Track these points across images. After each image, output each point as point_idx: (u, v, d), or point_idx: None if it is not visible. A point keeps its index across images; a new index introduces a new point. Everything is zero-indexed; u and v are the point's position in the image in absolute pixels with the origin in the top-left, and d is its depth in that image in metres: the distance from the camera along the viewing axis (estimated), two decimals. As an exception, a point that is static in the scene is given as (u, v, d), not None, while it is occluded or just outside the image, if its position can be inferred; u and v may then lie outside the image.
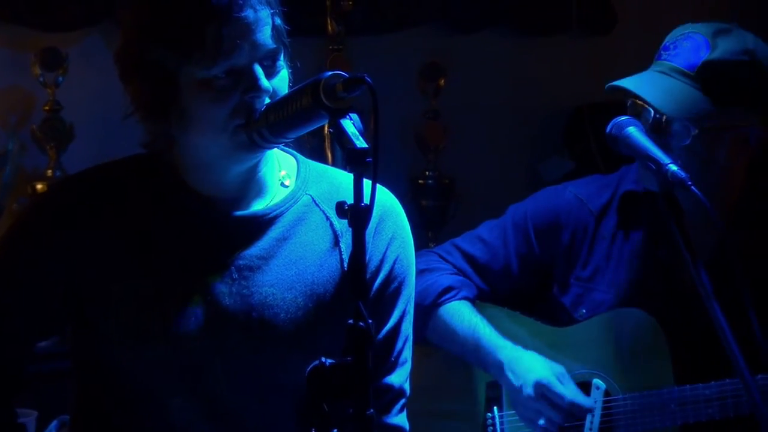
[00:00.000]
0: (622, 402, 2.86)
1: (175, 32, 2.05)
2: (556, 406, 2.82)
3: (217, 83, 2.08)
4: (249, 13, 2.06)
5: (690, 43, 2.81)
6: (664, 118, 2.77)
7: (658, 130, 2.77)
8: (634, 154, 2.67)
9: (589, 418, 2.86)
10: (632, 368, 2.87)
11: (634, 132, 2.65)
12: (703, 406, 2.79)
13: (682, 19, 2.94)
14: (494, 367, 2.89)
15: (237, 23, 2.05)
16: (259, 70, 2.08)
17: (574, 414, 2.84)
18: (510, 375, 2.86)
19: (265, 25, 2.09)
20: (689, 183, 2.47)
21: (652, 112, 2.78)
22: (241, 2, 2.05)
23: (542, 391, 2.81)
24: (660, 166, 2.55)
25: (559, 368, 2.86)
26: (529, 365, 2.85)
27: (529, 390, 2.82)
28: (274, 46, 2.11)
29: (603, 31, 4.54)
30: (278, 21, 2.13)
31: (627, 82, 2.81)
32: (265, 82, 2.08)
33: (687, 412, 2.80)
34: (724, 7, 4.44)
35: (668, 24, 2.96)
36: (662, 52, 2.87)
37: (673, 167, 2.53)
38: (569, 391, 2.82)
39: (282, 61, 2.14)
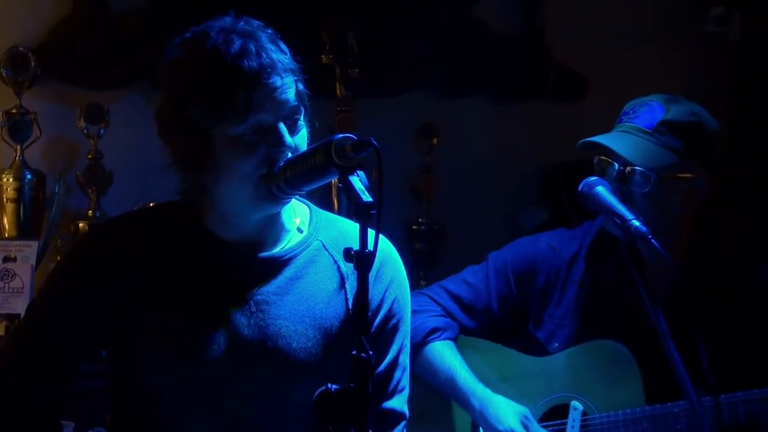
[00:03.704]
0: (599, 420, 2.86)
1: (211, 96, 2.07)
2: None
3: (246, 139, 2.09)
4: (275, 80, 2.08)
5: (647, 108, 2.86)
6: (628, 169, 2.79)
7: (622, 180, 2.80)
8: (602, 210, 2.70)
9: None
10: (607, 391, 2.87)
11: (603, 191, 2.69)
12: (673, 421, 2.78)
13: (642, 90, 2.99)
14: (468, 409, 2.90)
15: (265, 88, 2.07)
16: (283, 128, 2.10)
17: None
18: (482, 420, 2.87)
19: (289, 88, 2.11)
20: (650, 237, 2.49)
21: (617, 165, 2.81)
22: (269, 70, 2.07)
23: None
24: (624, 221, 2.58)
25: (524, 411, 2.86)
26: (496, 415, 2.84)
27: None
28: (296, 105, 2.13)
29: (575, 99, 4.56)
30: (300, 86, 2.15)
31: (600, 138, 2.85)
32: (288, 138, 2.10)
33: (658, 427, 2.79)
34: (674, 84, 4.48)
35: (630, 94, 3.00)
36: (623, 116, 2.92)
37: (636, 222, 2.56)
38: None
39: (302, 121, 2.16)
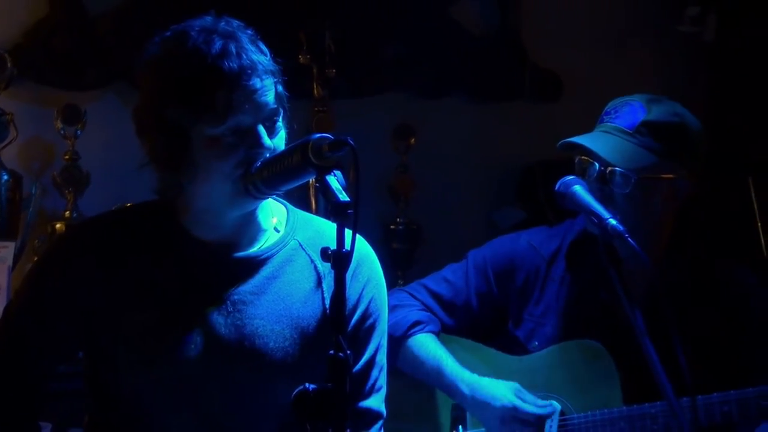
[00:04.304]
0: (577, 420, 2.85)
1: (191, 96, 2.06)
2: (526, 422, 2.81)
3: (225, 140, 2.08)
4: (255, 82, 2.07)
5: (629, 108, 2.84)
6: (608, 169, 2.78)
7: (603, 180, 2.79)
8: (579, 209, 2.69)
9: None
10: (585, 391, 2.86)
11: (580, 190, 2.68)
12: (649, 422, 2.77)
13: (618, 90, 2.98)
14: (458, 396, 2.88)
15: (245, 89, 2.06)
16: (262, 130, 2.09)
17: (543, 423, 2.83)
18: (474, 405, 2.85)
19: (269, 91, 2.10)
20: (626, 235, 2.49)
21: (597, 165, 2.80)
22: (249, 72, 2.06)
23: (511, 413, 2.80)
24: (601, 220, 2.58)
25: (515, 385, 2.85)
26: (490, 392, 2.83)
27: (496, 418, 2.81)
28: (275, 107, 2.12)
29: (551, 99, 4.56)
30: (280, 88, 2.14)
31: (580, 139, 2.83)
32: (267, 140, 2.09)
33: (635, 428, 2.78)
34: (649, 84, 4.49)
35: (606, 94, 3.00)
36: (604, 116, 2.89)
37: (613, 221, 2.55)
38: (533, 407, 2.82)
39: (281, 123, 2.15)
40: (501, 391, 2.83)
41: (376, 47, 4.29)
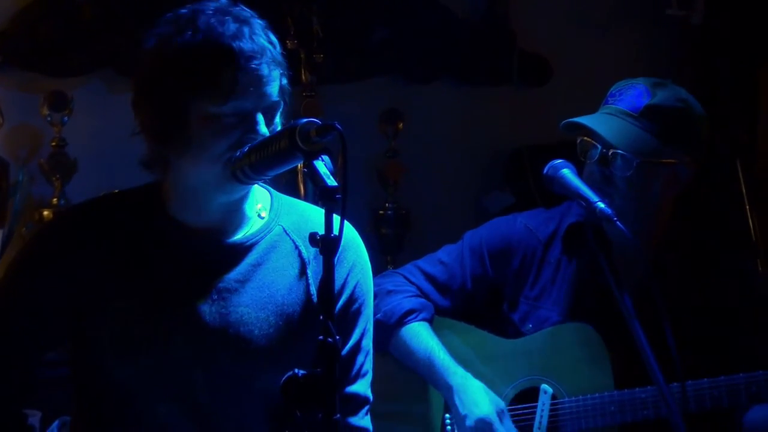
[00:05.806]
0: (568, 404, 2.85)
1: (197, 69, 2.05)
2: None
3: (224, 120, 2.07)
4: (263, 68, 2.07)
5: (634, 91, 2.83)
6: (611, 152, 2.77)
7: (604, 162, 2.79)
8: (567, 193, 2.68)
9: (537, 418, 2.86)
10: (577, 375, 2.86)
11: (568, 173, 2.67)
12: (640, 407, 2.78)
13: (606, 74, 2.97)
14: (444, 389, 2.87)
15: (251, 72, 2.05)
16: (261, 117, 2.08)
17: None
18: (457, 401, 2.84)
19: (274, 81, 2.10)
20: (614, 218, 2.49)
21: (600, 147, 2.79)
22: (259, 56, 2.06)
23: (483, 426, 2.79)
24: (589, 204, 2.57)
25: (501, 404, 2.84)
26: (475, 398, 2.82)
27: (471, 423, 2.80)
28: (277, 100, 2.11)
29: (539, 83, 4.56)
30: (285, 82, 2.13)
31: (583, 120, 2.82)
32: (264, 129, 2.08)
33: (625, 413, 2.79)
34: (637, 67, 4.49)
35: (594, 78, 2.99)
36: (609, 98, 2.88)
37: (601, 204, 2.55)
38: (507, 430, 2.82)
39: (279, 118, 2.14)
40: (485, 402, 2.81)
41: (364, 32, 4.28)
